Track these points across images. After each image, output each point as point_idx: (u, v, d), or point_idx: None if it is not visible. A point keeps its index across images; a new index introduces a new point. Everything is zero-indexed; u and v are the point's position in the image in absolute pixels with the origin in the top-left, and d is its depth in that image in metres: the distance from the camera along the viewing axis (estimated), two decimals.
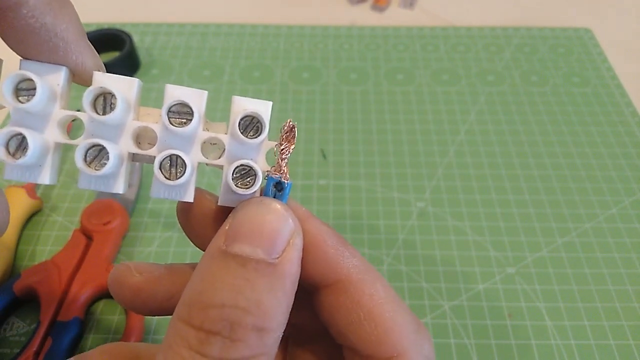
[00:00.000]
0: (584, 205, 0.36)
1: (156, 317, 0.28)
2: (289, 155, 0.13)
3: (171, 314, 0.13)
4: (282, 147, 0.13)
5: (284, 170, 0.13)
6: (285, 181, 0.13)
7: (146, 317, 0.29)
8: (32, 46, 0.13)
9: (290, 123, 0.13)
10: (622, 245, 0.34)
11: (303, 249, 0.13)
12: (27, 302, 0.30)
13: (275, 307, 0.11)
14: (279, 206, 0.12)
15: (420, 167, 0.39)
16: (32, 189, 0.35)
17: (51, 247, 0.33)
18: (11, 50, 0.13)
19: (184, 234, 0.16)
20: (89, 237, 0.32)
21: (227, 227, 0.12)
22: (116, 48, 0.47)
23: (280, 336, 0.12)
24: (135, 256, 0.33)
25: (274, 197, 0.13)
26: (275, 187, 0.13)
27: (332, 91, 0.45)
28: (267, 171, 0.13)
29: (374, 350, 0.12)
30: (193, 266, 0.15)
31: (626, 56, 0.49)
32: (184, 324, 0.11)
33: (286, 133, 0.13)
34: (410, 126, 0.42)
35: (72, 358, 0.14)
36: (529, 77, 0.47)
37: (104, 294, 0.30)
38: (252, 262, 0.11)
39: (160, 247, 0.33)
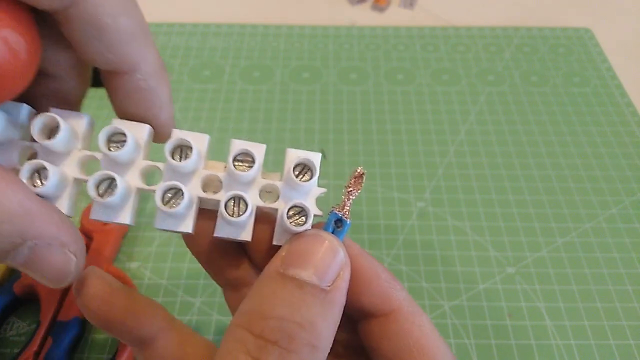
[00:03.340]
0: (584, 205, 0.36)
1: None
2: (354, 197, 0.15)
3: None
4: (349, 189, 0.15)
5: (347, 210, 0.15)
6: (346, 220, 0.14)
7: None
8: (134, 104, 0.15)
9: (361, 170, 0.15)
10: (622, 245, 0.34)
11: (360, 282, 0.14)
12: (27, 302, 0.30)
13: (325, 328, 0.13)
14: (333, 239, 0.14)
15: (421, 167, 0.39)
16: None
17: None
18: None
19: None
20: (89, 237, 0.32)
21: (283, 253, 0.14)
22: None
23: (326, 356, 0.13)
24: (135, 256, 0.33)
25: (333, 232, 0.14)
26: (335, 223, 0.14)
27: (332, 91, 0.45)
28: (333, 207, 0.15)
29: None
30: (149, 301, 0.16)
31: (626, 56, 0.49)
32: (244, 331, 0.13)
33: (355, 178, 0.15)
34: (410, 126, 0.42)
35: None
36: (529, 77, 0.47)
37: None
38: (308, 285, 0.13)
39: (160, 247, 0.33)
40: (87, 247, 0.32)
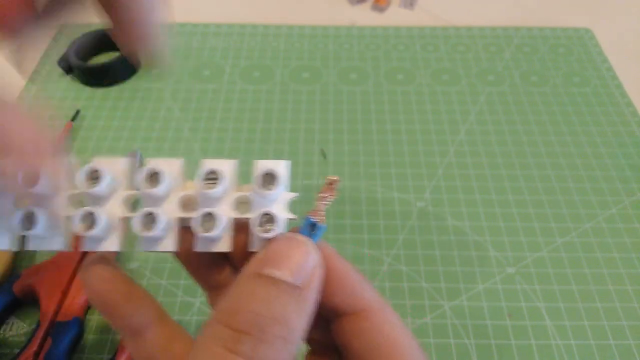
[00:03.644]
0: (583, 205, 0.36)
1: None
2: (327, 203, 0.16)
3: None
4: (322, 195, 0.16)
5: (321, 215, 0.15)
6: (320, 224, 0.15)
7: None
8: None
9: (333, 178, 0.16)
10: (622, 245, 0.34)
11: (332, 282, 0.15)
12: (27, 302, 0.30)
13: (298, 323, 0.14)
14: (306, 242, 0.15)
15: (420, 167, 0.39)
16: None
17: None
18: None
19: None
20: None
21: (260, 256, 0.15)
22: (117, 48, 0.47)
23: (297, 350, 0.14)
24: (135, 256, 0.33)
25: (308, 236, 0.15)
26: (310, 227, 0.15)
27: (332, 91, 0.45)
28: (307, 212, 0.16)
29: None
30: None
31: (626, 56, 0.49)
32: (220, 325, 0.13)
33: (328, 185, 0.16)
34: (410, 126, 0.42)
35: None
36: (529, 77, 0.47)
37: None
38: (282, 283, 0.14)
39: None
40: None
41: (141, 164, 0.37)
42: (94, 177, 0.15)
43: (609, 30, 0.52)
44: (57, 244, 0.16)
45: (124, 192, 0.16)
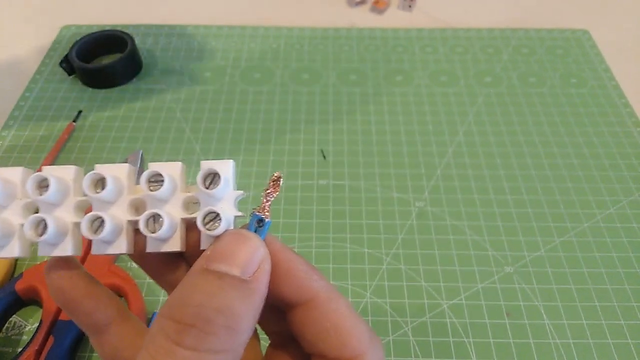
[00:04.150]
0: (581, 205, 0.37)
1: None
2: (272, 199, 0.16)
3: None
4: (267, 192, 0.16)
5: (266, 210, 0.16)
6: (266, 219, 0.16)
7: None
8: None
9: (277, 175, 0.17)
10: (620, 245, 0.34)
11: (280, 274, 0.16)
12: (29, 301, 0.31)
13: (244, 313, 0.14)
14: (252, 237, 0.15)
15: (419, 168, 0.39)
16: None
17: None
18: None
19: None
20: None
21: (208, 253, 0.15)
22: (118, 50, 0.47)
23: (247, 340, 0.14)
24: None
25: (255, 231, 0.16)
26: (257, 223, 0.16)
27: (331, 92, 0.45)
28: (254, 209, 0.16)
29: (339, 353, 0.15)
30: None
31: (624, 57, 0.49)
32: (165, 319, 0.14)
33: (273, 181, 0.16)
34: (409, 127, 0.42)
35: None
36: (527, 78, 0.47)
37: None
38: (227, 276, 0.14)
39: None
40: (88, 247, 0.32)
41: (142, 165, 0.37)
42: (44, 185, 0.16)
43: (607, 32, 0.52)
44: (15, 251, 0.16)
45: (75, 198, 0.17)
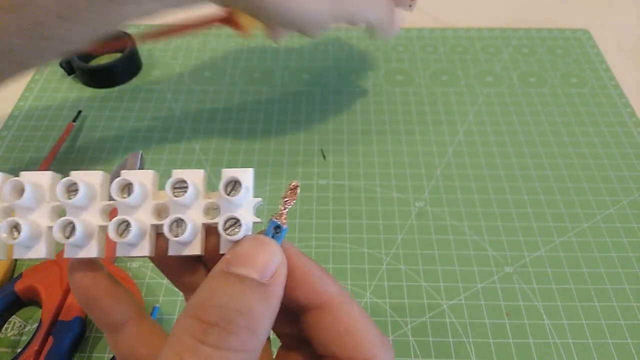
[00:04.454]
0: (581, 205, 0.37)
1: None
2: (289, 207, 0.17)
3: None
4: (285, 200, 0.17)
5: (284, 217, 0.17)
6: (283, 226, 0.17)
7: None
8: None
9: (295, 183, 0.17)
10: (620, 245, 0.34)
11: (295, 279, 0.16)
12: (29, 302, 0.30)
13: (262, 315, 0.15)
14: (271, 242, 0.16)
15: (419, 168, 0.39)
16: None
17: None
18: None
19: None
20: None
21: (228, 256, 0.16)
22: (118, 50, 0.47)
23: (264, 341, 0.15)
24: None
25: (272, 237, 0.16)
26: (274, 229, 0.16)
27: (331, 92, 0.45)
28: (272, 216, 0.17)
29: (352, 355, 0.16)
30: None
31: (624, 57, 0.49)
32: (189, 318, 0.14)
33: (290, 190, 0.17)
34: (409, 127, 0.42)
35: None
36: (527, 78, 0.47)
37: None
38: (248, 280, 0.15)
39: None
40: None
41: (142, 166, 0.37)
42: (73, 189, 0.17)
43: (607, 32, 0.52)
44: (41, 252, 0.17)
45: (101, 202, 0.17)
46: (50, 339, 0.28)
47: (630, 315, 0.31)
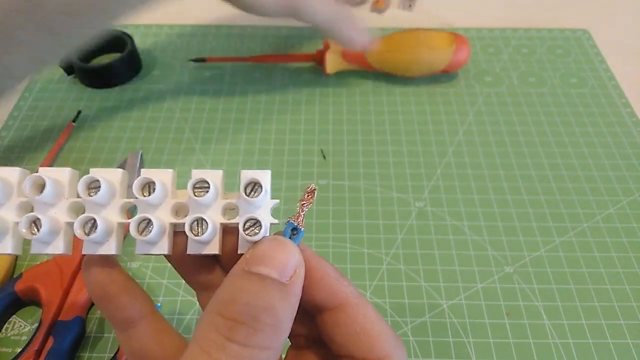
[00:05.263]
0: (581, 205, 0.37)
1: None
2: (306, 209, 0.17)
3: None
4: (302, 203, 0.17)
5: (301, 219, 0.17)
6: (300, 228, 0.17)
7: None
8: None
9: (312, 187, 0.18)
10: (620, 245, 0.34)
11: (313, 279, 0.17)
12: (29, 301, 0.31)
13: (284, 314, 0.15)
14: (289, 243, 0.16)
15: (419, 168, 0.39)
16: None
17: None
18: None
19: None
20: None
21: (248, 256, 0.16)
22: (118, 49, 0.47)
23: (285, 339, 0.15)
24: (136, 256, 0.33)
25: (290, 238, 0.17)
26: (291, 231, 0.17)
27: (331, 92, 0.45)
28: (289, 217, 0.17)
29: (367, 355, 0.16)
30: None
31: (624, 57, 0.49)
32: (215, 315, 0.15)
33: (308, 193, 0.17)
34: (409, 127, 0.42)
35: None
36: (527, 78, 0.47)
37: None
38: (268, 279, 0.15)
39: None
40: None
41: (142, 165, 0.37)
42: (93, 186, 0.17)
43: (607, 32, 0.52)
44: (58, 248, 0.17)
45: (121, 200, 0.17)
46: (51, 339, 0.28)
47: (630, 315, 0.31)
